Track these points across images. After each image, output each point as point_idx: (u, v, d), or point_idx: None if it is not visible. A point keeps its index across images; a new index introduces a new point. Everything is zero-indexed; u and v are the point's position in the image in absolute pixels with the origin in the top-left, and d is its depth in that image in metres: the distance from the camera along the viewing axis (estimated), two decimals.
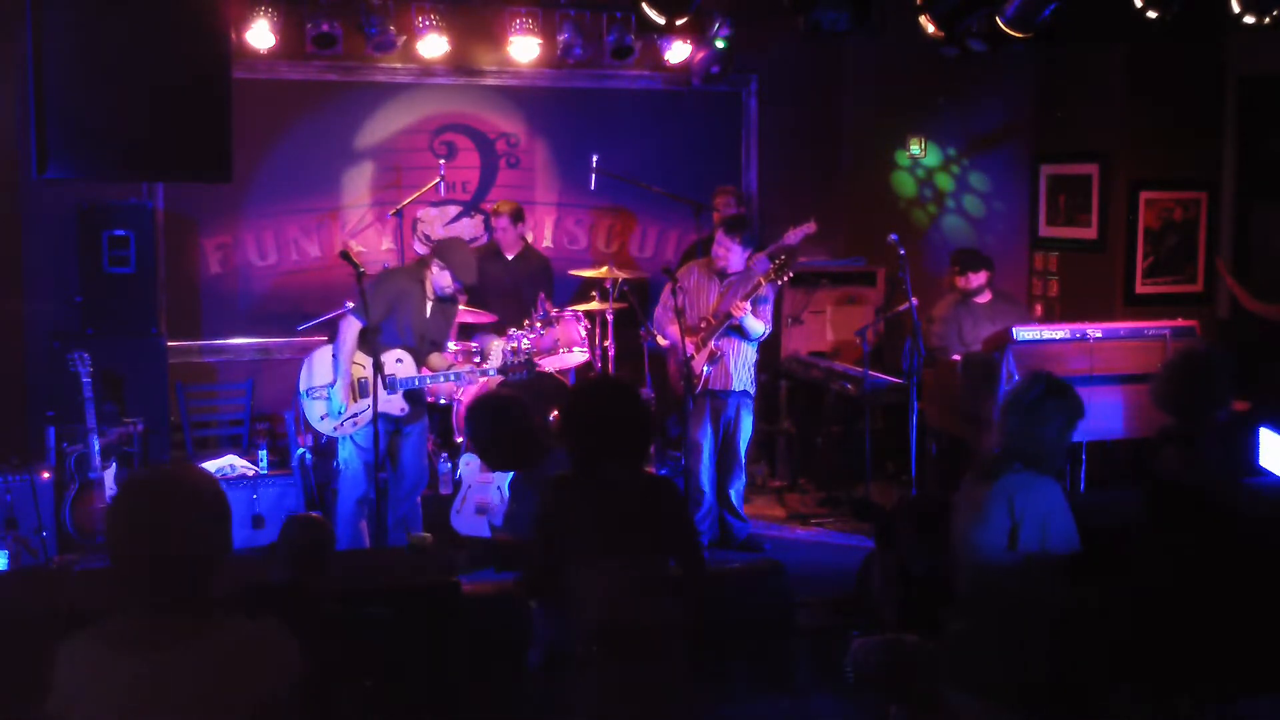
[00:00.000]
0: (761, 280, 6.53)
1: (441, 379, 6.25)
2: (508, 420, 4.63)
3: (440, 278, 6.17)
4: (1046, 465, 3.90)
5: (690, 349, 6.52)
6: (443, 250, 6.27)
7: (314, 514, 4.95)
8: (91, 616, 2.59)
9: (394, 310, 5.99)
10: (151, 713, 2.43)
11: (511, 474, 4.76)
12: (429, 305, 6.24)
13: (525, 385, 7.06)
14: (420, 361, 6.19)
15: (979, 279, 7.26)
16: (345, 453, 6.26)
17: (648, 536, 3.68)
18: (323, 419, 6.20)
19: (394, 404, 6.11)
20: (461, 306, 7.49)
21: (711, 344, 6.62)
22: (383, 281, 6.18)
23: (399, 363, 6.09)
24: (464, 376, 6.35)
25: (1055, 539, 3.78)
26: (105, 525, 2.55)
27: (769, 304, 6.73)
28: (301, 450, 6.95)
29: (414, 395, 6.24)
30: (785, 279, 6.66)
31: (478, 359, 7.11)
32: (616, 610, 3.59)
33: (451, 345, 7.08)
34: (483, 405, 4.84)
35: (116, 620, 2.51)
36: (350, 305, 6.13)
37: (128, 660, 2.45)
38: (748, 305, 6.52)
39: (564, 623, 3.71)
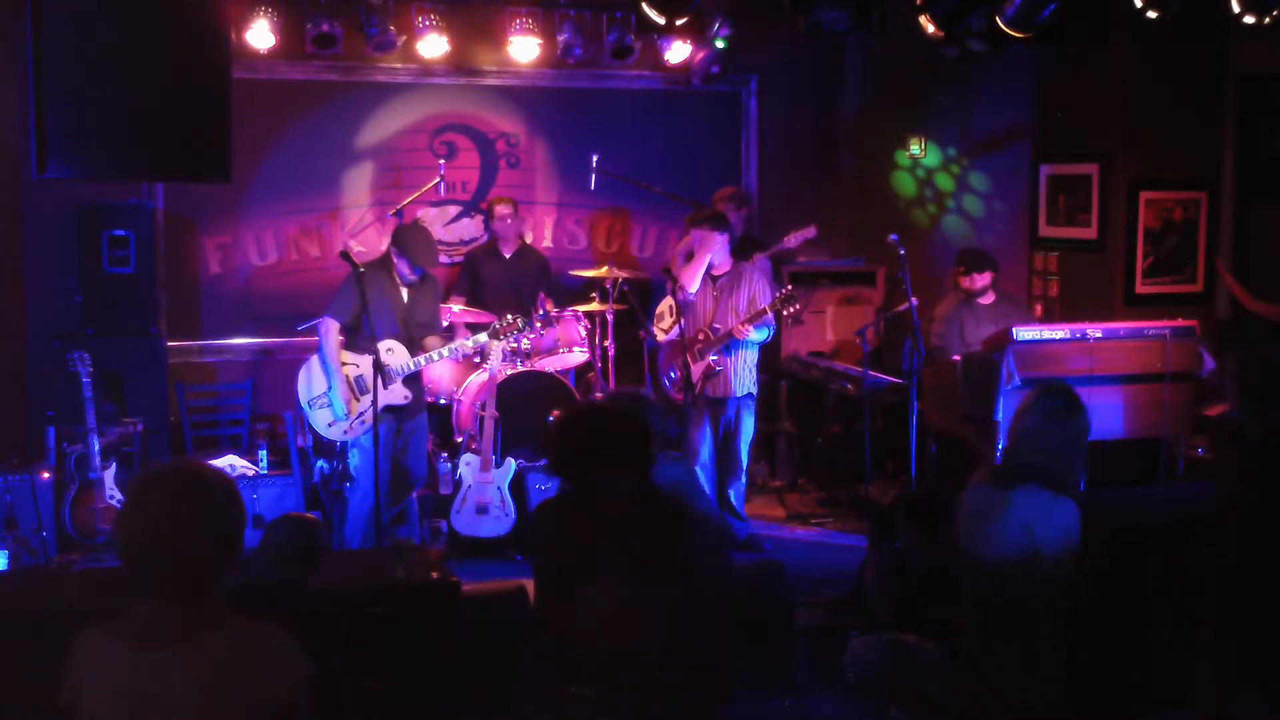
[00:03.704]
0: (767, 309, 6.50)
1: (436, 355, 6.25)
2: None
3: (400, 266, 6.19)
4: (1067, 483, 3.83)
5: (688, 358, 6.48)
6: (398, 238, 6.28)
7: (305, 514, 4.93)
8: (95, 615, 2.59)
9: (367, 304, 5.96)
10: (162, 708, 2.42)
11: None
12: (404, 292, 6.24)
13: (525, 385, 7.09)
14: (414, 347, 6.20)
15: (984, 279, 7.25)
16: (357, 461, 6.26)
17: (647, 557, 3.44)
18: (330, 426, 6.21)
19: (396, 393, 6.12)
20: (461, 307, 7.51)
21: (709, 358, 6.58)
22: (348, 279, 6.18)
23: (390, 352, 6.10)
24: (458, 350, 6.35)
25: (1076, 556, 3.75)
26: (119, 518, 2.54)
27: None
28: (321, 463, 6.94)
29: (414, 381, 6.26)
30: (793, 309, 6.62)
31: (477, 359, 7.11)
32: (604, 638, 3.39)
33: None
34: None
35: (128, 615, 2.51)
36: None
37: (139, 655, 2.45)
38: (749, 329, 6.50)
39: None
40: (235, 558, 2.55)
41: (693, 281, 6.58)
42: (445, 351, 6.26)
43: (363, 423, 6.09)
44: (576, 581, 3.44)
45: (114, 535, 2.56)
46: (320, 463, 6.85)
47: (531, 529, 3.64)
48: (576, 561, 3.44)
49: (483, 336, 6.39)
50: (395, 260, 6.20)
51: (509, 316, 6.44)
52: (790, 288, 6.64)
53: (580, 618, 3.43)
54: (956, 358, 7.02)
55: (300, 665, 2.54)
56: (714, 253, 6.62)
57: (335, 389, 6.13)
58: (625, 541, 3.44)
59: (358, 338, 6.15)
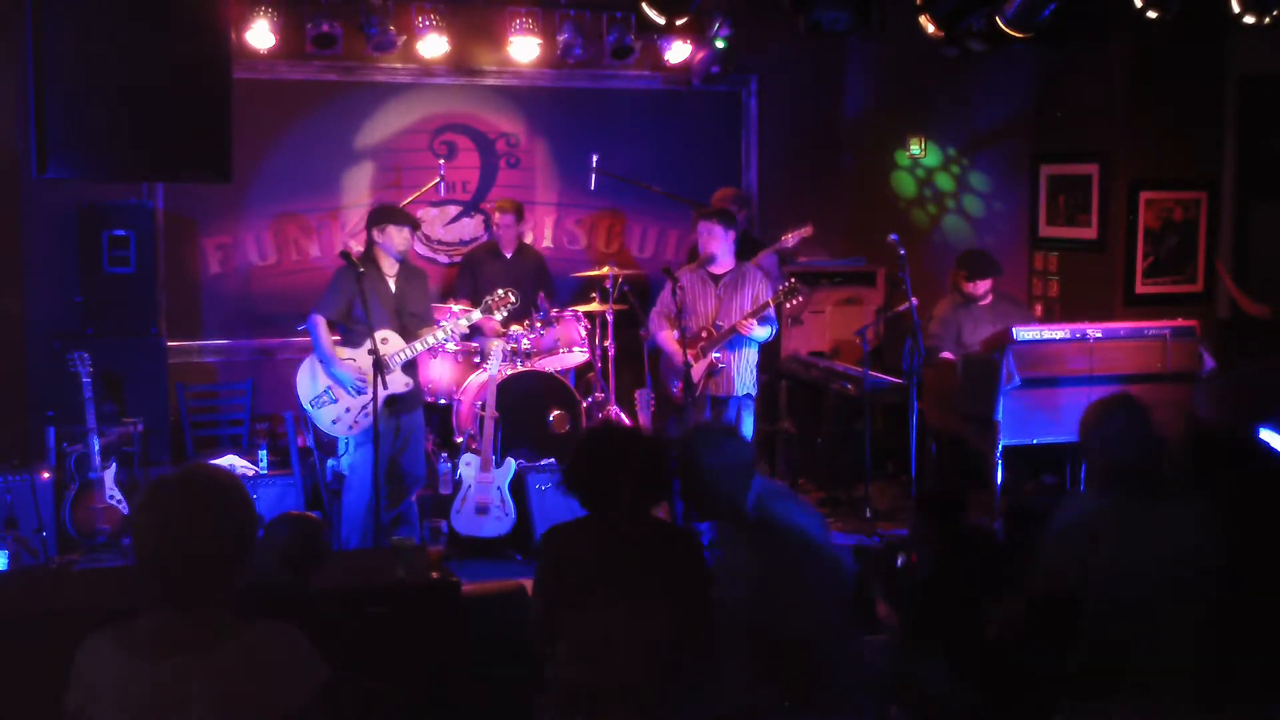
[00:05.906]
0: (770, 302, 6.50)
1: (432, 339, 6.25)
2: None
3: (391, 241, 6.19)
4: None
5: (690, 357, 6.48)
6: (375, 219, 6.29)
7: (306, 513, 4.93)
8: (99, 619, 2.58)
9: (355, 297, 5.97)
10: (173, 716, 2.39)
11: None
12: (391, 282, 6.25)
13: (525, 385, 7.08)
14: (408, 337, 6.20)
15: (985, 285, 7.25)
16: (352, 458, 6.26)
17: (650, 588, 3.40)
18: (335, 423, 6.21)
19: (397, 381, 6.12)
20: (460, 307, 7.51)
21: (712, 355, 6.58)
22: (338, 276, 6.19)
23: (384, 342, 6.09)
24: (454, 332, 6.37)
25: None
26: (132, 523, 2.53)
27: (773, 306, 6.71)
28: (331, 462, 6.94)
29: (411, 370, 6.26)
30: (796, 301, 6.62)
31: (477, 359, 7.11)
32: (595, 666, 3.35)
33: (451, 346, 7.09)
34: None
35: (137, 622, 2.48)
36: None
37: (148, 664, 2.42)
38: (753, 323, 6.50)
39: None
40: (247, 561, 2.54)
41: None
42: (441, 335, 6.27)
43: (366, 415, 6.07)
44: (586, 607, 3.41)
45: (129, 538, 2.55)
46: (330, 461, 6.83)
47: (540, 553, 3.57)
48: (588, 586, 3.41)
49: (476, 314, 6.43)
50: (382, 240, 6.20)
51: (499, 291, 6.44)
52: (793, 280, 6.65)
53: (585, 644, 3.40)
54: (947, 355, 7.04)
55: (315, 671, 2.51)
56: (718, 249, 6.64)
57: (342, 376, 6.13)
58: (639, 568, 3.42)
59: (353, 333, 6.16)
